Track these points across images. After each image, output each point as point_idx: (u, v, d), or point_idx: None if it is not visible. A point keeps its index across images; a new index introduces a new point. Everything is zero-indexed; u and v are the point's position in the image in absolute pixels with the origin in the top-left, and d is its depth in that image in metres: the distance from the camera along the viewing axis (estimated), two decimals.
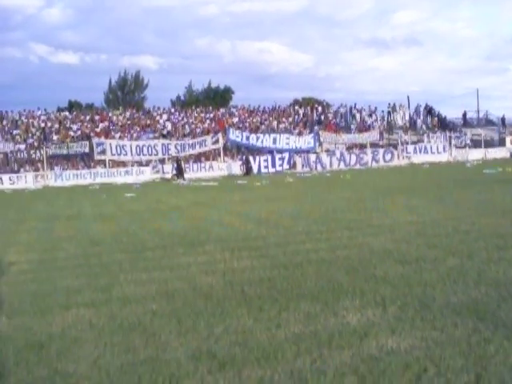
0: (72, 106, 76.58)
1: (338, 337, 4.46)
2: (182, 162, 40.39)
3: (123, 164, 43.17)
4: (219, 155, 44.90)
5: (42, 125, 47.82)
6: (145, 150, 43.03)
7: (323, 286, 6.12)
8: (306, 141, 47.27)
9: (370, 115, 58.70)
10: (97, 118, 50.45)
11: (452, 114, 69.89)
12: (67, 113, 53.49)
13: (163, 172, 42.14)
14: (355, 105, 60.07)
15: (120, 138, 45.69)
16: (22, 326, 5.31)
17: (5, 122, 47.64)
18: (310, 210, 14.42)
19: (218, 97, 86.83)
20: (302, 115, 55.76)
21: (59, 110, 59.67)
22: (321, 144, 48.38)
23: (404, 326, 4.66)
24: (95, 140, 42.87)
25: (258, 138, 45.28)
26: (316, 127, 51.90)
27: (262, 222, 12.27)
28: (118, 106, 67.40)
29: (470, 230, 9.58)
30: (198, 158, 44.91)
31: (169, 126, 49.88)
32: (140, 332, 4.90)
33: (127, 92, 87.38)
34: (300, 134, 50.12)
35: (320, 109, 58.68)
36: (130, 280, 6.99)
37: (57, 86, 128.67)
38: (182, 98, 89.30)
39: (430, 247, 8.16)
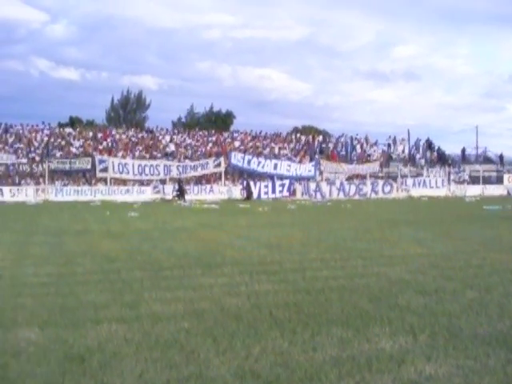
0: (73, 121, 76.81)
1: (376, 361, 4.59)
2: (184, 184, 40.50)
3: (124, 182, 43.27)
4: (220, 178, 45.08)
5: (45, 139, 47.97)
6: (147, 169, 43.22)
7: (350, 313, 6.25)
8: (306, 169, 47.52)
9: (372, 146, 59.04)
10: (100, 135, 50.63)
11: (449, 149, 70.12)
12: (70, 129, 53.62)
13: (164, 192, 42.20)
14: (356, 135, 60.50)
15: (122, 156, 45.85)
16: (57, 338, 5.40)
17: (8, 135, 47.77)
18: (319, 237, 14.53)
19: (219, 121, 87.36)
20: (303, 143, 56.08)
21: (60, 125, 59.96)
22: (321, 173, 48.62)
23: (438, 354, 4.79)
24: (98, 157, 43.04)
25: (259, 163, 45.49)
26: (317, 156, 52.18)
27: (273, 247, 12.37)
28: (119, 124, 67.76)
29: (482, 265, 9.76)
30: (198, 180, 45.07)
31: (171, 146, 50.07)
32: (178, 349, 5.00)
33: (129, 111, 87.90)
34: (301, 161, 50.39)
35: (321, 138, 59.03)
36: (155, 298, 7.09)
37: (56, 101, 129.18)
38: (183, 119, 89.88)
39: (447, 279, 8.32)
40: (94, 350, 5.00)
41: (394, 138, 62.09)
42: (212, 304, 6.74)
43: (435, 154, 61.57)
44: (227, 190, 44.04)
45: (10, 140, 47.28)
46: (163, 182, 43.75)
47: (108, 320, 5.99)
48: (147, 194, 42.11)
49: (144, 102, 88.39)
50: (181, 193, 38.36)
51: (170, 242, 13.62)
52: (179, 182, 40.28)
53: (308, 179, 46.96)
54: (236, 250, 12.03)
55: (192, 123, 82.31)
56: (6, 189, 40.03)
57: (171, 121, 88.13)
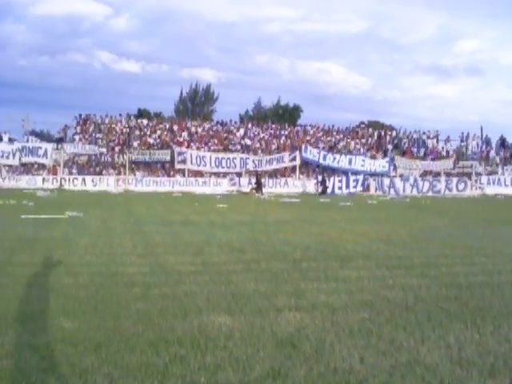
0: (141, 113, 78.36)
1: None
2: (261, 177, 40.96)
3: (201, 174, 44.03)
4: (294, 172, 45.35)
5: (123, 130, 49.23)
6: (223, 162, 43.92)
7: None
8: (380, 164, 47.37)
9: (445, 143, 58.23)
10: (176, 127, 51.57)
11: None
12: (147, 120, 54.83)
13: (240, 185, 42.83)
14: (428, 131, 59.78)
15: (197, 148, 46.63)
16: (252, 324, 5.72)
17: (87, 125, 49.22)
18: (423, 234, 14.61)
19: (286, 114, 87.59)
20: (376, 138, 55.80)
21: (128, 116, 61.29)
22: (395, 168, 48.34)
23: None
24: (177, 149, 43.96)
25: (334, 159, 45.64)
26: (391, 151, 51.86)
27: (387, 242, 12.54)
28: (186, 117, 68.80)
29: None
30: (273, 174, 45.45)
31: (246, 140, 50.63)
32: (376, 338, 5.27)
33: (197, 104, 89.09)
34: (373, 157, 50.20)
35: (394, 133, 58.58)
36: (314, 288, 7.38)
37: (118, 93, 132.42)
38: (251, 112, 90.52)
39: None
40: (296, 336, 5.32)
41: (467, 134, 61.01)
42: (373, 296, 7.00)
43: (510, 151, 60.19)
44: (301, 184, 44.31)
45: (90, 130, 48.65)
46: (239, 174, 44.29)
47: (288, 308, 6.31)
48: (223, 186, 42.79)
49: (212, 95, 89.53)
50: (258, 186, 38.80)
51: (281, 234, 13.93)
52: (257, 175, 40.75)
53: (382, 175, 46.73)
54: (352, 243, 12.25)
55: (259, 116, 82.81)
56: (88, 178, 41.35)
57: (238, 114, 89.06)
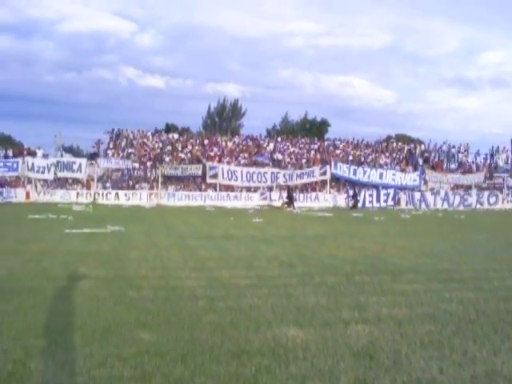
0: (169, 128, 79.18)
1: None
2: (293, 191, 41.09)
3: (232, 188, 44.33)
4: (325, 186, 45.46)
5: (155, 144, 49.88)
6: (254, 176, 44.15)
7: None
8: (411, 178, 47.23)
9: (475, 156, 57.92)
10: (206, 141, 52.07)
11: None
12: (177, 135, 55.50)
13: (270, 199, 43.04)
14: (459, 145, 59.53)
15: (228, 163, 47.01)
16: (323, 336, 5.92)
17: (119, 140, 49.94)
18: (465, 248, 14.69)
19: (314, 128, 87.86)
20: (405, 152, 55.70)
21: (157, 131, 61.95)
22: (426, 182, 48.18)
23: None
24: (208, 164, 44.34)
25: (364, 173, 45.64)
26: (421, 165, 51.71)
27: (431, 256, 12.64)
28: (215, 132, 69.34)
29: None
30: (304, 188, 45.60)
31: (277, 154, 50.93)
32: (449, 349, 5.42)
33: (224, 118, 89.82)
34: (403, 170, 50.10)
35: (423, 147, 58.42)
36: (374, 301, 7.54)
37: (142, 108, 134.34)
38: (278, 127, 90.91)
39: None
40: (371, 347, 5.48)
41: (497, 147, 60.65)
42: (434, 309, 7.14)
43: None
44: (332, 198, 44.36)
45: (122, 145, 49.36)
46: (270, 189, 44.52)
47: (354, 321, 6.48)
48: (254, 201, 43.01)
49: (239, 110, 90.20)
50: (290, 200, 38.93)
51: (325, 248, 14.10)
52: (289, 189, 40.91)
53: (412, 189, 46.60)
54: (398, 257, 12.37)
55: (286, 130, 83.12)
56: (121, 192, 41.93)
57: (266, 128, 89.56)
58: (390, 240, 16.67)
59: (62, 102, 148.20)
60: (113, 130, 51.35)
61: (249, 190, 44.70)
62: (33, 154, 47.39)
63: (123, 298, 7.71)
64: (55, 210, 30.34)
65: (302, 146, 53.90)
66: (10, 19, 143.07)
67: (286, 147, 53.12)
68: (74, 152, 52.23)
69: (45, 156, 47.40)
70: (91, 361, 5.00)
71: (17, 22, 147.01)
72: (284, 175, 44.77)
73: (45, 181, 43.01)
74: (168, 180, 44.19)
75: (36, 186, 42.19)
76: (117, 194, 41.71)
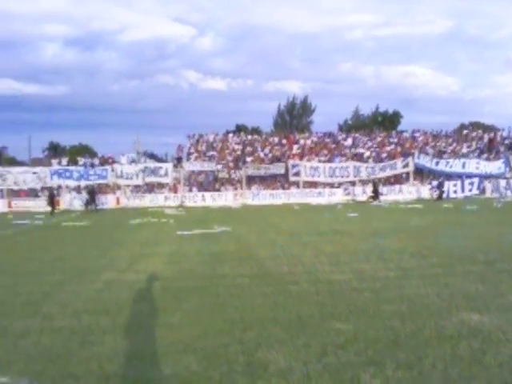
0: (240, 129, 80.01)
1: None
2: (377, 185, 40.97)
3: (315, 185, 44.54)
4: (408, 179, 45.12)
5: (236, 147, 50.68)
6: (337, 171, 44.28)
7: None
8: (496, 166, 46.30)
9: None
10: (284, 141, 52.48)
11: None
12: (256, 136, 56.21)
13: (354, 194, 43.06)
14: None
15: (308, 160, 47.22)
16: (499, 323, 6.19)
17: (200, 144, 50.98)
18: None
19: (386, 121, 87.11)
20: (486, 139, 54.57)
21: (228, 132, 62.70)
22: (511, 169, 47.12)
23: None
24: (291, 162, 44.74)
25: (447, 163, 45.05)
26: (506, 152, 50.55)
27: None
28: (286, 130, 69.63)
29: None
30: (387, 181, 45.38)
31: (358, 149, 50.88)
32: None
33: (295, 116, 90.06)
34: (488, 158, 49.14)
35: (505, 133, 57.06)
36: None
37: (205, 111, 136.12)
38: (349, 122, 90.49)
39: None
40: None
41: None
42: None
43: None
44: (416, 190, 43.98)
45: (204, 148, 50.38)
46: (353, 184, 44.54)
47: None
48: (338, 196, 43.12)
49: (309, 106, 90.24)
50: (375, 193, 38.90)
51: (443, 239, 14.22)
52: (374, 183, 40.89)
53: (497, 177, 45.70)
54: None
55: (358, 124, 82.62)
56: (207, 194, 42.83)
57: (337, 123, 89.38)
58: (502, 229, 16.62)
59: (127, 110, 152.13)
60: (193, 134, 52.45)
61: (332, 185, 44.77)
62: (115, 161, 49.01)
63: (289, 292, 8.14)
64: (153, 213, 31.34)
65: (379, 139, 53.56)
66: (74, 33, 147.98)
67: (363, 141, 52.93)
68: (155, 157, 53.26)
69: (131, 162, 48.84)
70: (309, 351, 5.44)
71: (81, 35, 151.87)
72: (366, 169, 44.71)
73: (133, 186, 44.36)
74: (252, 180, 44.79)
75: (125, 192, 43.57)
76: (203, 196, 42.63)
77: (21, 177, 42.59)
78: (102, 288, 8.93)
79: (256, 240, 15.78)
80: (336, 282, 8.76)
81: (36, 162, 61.19)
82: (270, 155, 49.41)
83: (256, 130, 79.98)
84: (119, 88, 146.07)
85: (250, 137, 54.85)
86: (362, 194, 42.43)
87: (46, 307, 7.61)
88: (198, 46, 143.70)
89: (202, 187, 44.50)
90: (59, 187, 43.05)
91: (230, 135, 54.80)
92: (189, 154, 49.39)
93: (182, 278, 9.74)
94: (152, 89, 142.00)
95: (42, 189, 43.22)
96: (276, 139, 53.32)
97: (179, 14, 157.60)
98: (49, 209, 35.82)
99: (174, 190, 44.01)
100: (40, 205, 39.59)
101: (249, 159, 47.99)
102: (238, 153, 49.72)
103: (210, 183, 45.03)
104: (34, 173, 43.49)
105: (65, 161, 50.95)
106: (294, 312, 6.90)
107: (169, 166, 44.46)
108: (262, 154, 49.66)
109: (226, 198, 42.73)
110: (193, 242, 15.87)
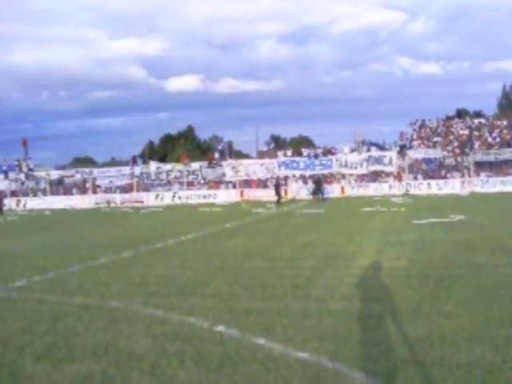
0: (460, 113, 76.87)
1: None
2: None
3: None
4: None
5: (461, 132, 48.81)
6: None
7: None
8: None
9: None
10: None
11: None
12: (482, 119, 53.67)
13: None
14: None
15: None
16: None
17: (422, 130, 49.81)
18: None
19: None
20: None
21: (447, 118, 60.25)
22: None
23: None
24: None
25: None
26: None
27: None
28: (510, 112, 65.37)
29: None
30: None
31: None
32: None
33: None
34: None
35: None
36: None
37: (419, 96, 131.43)
38: None
39: None
40: None
41: None
42: None
43: None
44: None
45: (426, 134, 49.21)
46: None
47: None
48: None
49: None
50: None
51: None
52: None
53: None
54: None
55: None
56: (433, 182, 41.77)
57: None
58: None
59: (340, 100, 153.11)
60: (416, 120, 51.42)
61: None
62: (336, 151, 49.70)
63: None
64: (380, 202, 31.33)
65: None
66: (288, 29, 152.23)
67: None
68: (377, 146, 52.90)
69: (352, 151, 49.24)
70: None
71: (294, 30, 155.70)
72: None
73: (357, 175, 44.71)
74: (480, 167, 42.81)
75: (349, 181, 44.07)
76: (428, 184, 41.65)
77: (251, 168, 45.03)
78: (360, 274, 9.06)
79: (501, 230, 15.03)
80: None
81: (262, 154, 64.01)
82: (498, 139, 46.79)
83: (479, 114, 76.29)
84: (332, 79, 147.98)
85: (476, 121, 52.34)
86: None
87: (313, 290, 7.92)
88: (410, 31, 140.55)
89: (427, 175, 43.49)
90: (286, 177, 44.77)
91: (455, 120, 52.78)
92: (411, 140, 48.54)
93: (438, 266, 9.56)
94: (364, 77, 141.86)
95: (270, 179, 45.26)
96: (505, 122, 50.30)
97: (388, 0, 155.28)
98: (275, 198, 37.39)
99: (399, 178, 43.52)
100: (269, 194, 41.40)
101: (477, 144, 45.94)
102: (464, 138, 47.74)
103: (435, 170, 43.83)
104: (262, 164, 45.73)
105: (289, 152, 52.80)
106: None
107: (393, 154, 44.06)
108: (489, 139, 47.22)
109: (454, 186, 41.27)
110: (433, 230, 15.55)
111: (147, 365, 5.04)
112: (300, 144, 76.02)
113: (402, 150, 46.95)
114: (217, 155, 54.86)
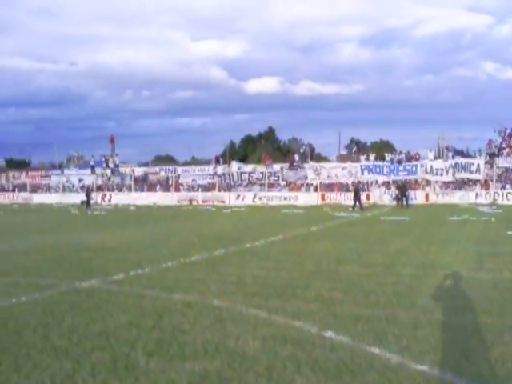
0: None
1: None
2: None
3: None
4: None
5: None
6: None
7: None
8: None
9: None
10: None
11: None
12: None
13: None
14: None
15: None
16: None
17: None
18: None
19: None
20: None
21: None
22: None
23: None
24: None
25: None
26: None
27: None
28: None
29: None
30: None
31: None
32: None
33: None
34: None
35: None
36: None
37: (504, 103, 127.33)
38: None
39: None
40: None
41: None
42: None
43: None
44: None
45: None
46: None
47: None
48: None
49: None
50: None
51: None
52: None
53: None
54: None
55: None
56: None
57: None
58: None
59: (422, 105, 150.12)
60: (505, 129, 49.60)
61: None
62: (420, 157, 48.61)
63: None
64: (467, 210, 30.48)
65: None
66: (369, 32, 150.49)
67: None
68: (462, 153, 51.29)
69: (435, 158, 48.06)
70: None
71: (375, 33, 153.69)
72: None
73: (442, 182, 43.59)
74: None
75: (434, 188, 43.03)
76: None
77: (333, 172, 44.67)
78: (463, 285, 8.69)
79: None
80: None
81: (343, 158, 63.47)
82: None
83: None
84: (413, 83, 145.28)
85: None
86: None
87: (419, 300, 7.65)
88: (496, 35, 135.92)
89: None
90: (367, 182, 44.16)
91: None
92: (500, 149, 46.88)
93: None
94: (447, 82, 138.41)
95: (352, 183, 44.75)
96: None
97: (474, 3, 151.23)
98: (353, 203, 36.68)
99: (486, 186, 42.15)
100: (351, 198, 40.91)
101: None
102: None
103: None
104: (344, 168, 45.29)
105: (372, 157, 52.05)
106: None
107: (480, 161, 42.73)
108: None
109: None
110: None
111: (262, 368, 4.96)
112: (381, 148, 74.79)
113: (491, 157, 45.39)
114: (297, 157, 54.73)
